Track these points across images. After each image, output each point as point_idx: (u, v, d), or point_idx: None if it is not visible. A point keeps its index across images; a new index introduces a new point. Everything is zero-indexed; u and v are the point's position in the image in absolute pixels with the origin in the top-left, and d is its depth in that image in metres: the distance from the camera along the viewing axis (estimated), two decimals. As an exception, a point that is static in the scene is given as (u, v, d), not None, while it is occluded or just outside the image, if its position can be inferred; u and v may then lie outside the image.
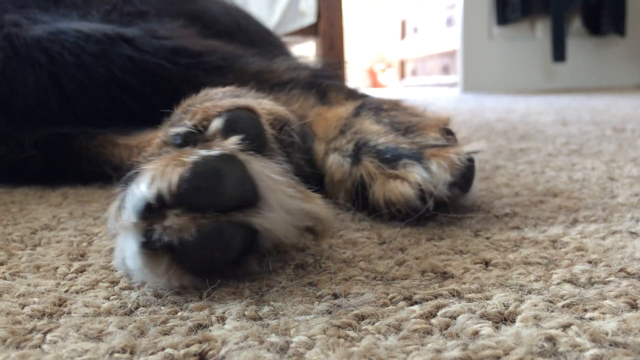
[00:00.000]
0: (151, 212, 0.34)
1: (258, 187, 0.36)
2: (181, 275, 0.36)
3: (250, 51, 0.87)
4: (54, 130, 0.79)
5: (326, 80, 0.82)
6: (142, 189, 0.34)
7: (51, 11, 0.86)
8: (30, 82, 0.78)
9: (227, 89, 0.51)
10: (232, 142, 0.37)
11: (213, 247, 0.35)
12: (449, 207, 0.52)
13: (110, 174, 0.77)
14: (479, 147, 0.52)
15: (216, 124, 0.39)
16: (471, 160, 0.51)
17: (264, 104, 0.44)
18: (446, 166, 0.50)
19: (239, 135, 0.38)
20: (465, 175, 0.51)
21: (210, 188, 0.34)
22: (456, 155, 0.50)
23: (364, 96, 0.76)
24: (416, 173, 0.51)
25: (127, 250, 0.35)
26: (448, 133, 0.57)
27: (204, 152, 0.35)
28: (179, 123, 0.40)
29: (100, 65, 0.78)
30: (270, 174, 0.37)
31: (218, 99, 0.45)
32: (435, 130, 0.56)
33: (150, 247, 0.35)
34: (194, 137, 0.39)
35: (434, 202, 0.50)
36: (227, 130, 0.39)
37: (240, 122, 0.40)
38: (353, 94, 0.77)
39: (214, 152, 0.35)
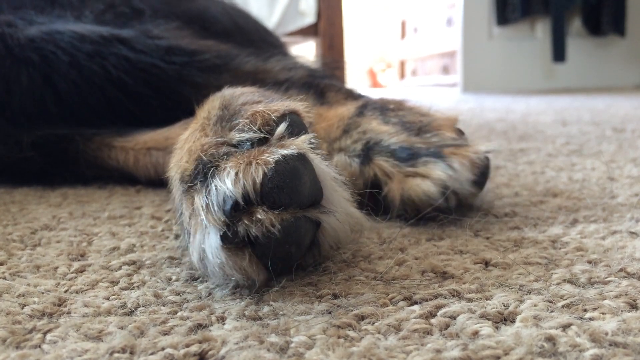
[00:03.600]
0: (237, 209, 0.35)
1: (324, 187, 0.38)
2: (259, 270, 0.37)
3: (246, 50, 0.87)
4: (51, 131, 0.78)
5: (323, 80, 0.81)
6: (228, 186, 0.35)
7: (46, 12, 0.86)
8: (25, 82, 0.78)
9: (250, 89, 0.52)
10: (304, 142, 0.39)
11: (292, 242, 0.37)
12: (466, 204, 0.54)
13: (108, 176, 0.78)
14: (493, 147, 0.55)
15: (282, 127, 0.40)
16: (487, 159, 0.53)
17: (304, 107, 0.45)
18: (468, 164, 0.51)
19: (296, 137, 0.40)
20: (483, 174, 0.53)
21: (291, 186, 0.36)
22: (475, 154, 0.52)
23: (362, 96, 0.76)
24: (440, 170, 0.51)
25: (210, 245, 0.36)
26: (460, 132, 0.58)
27: (284, 152, 0.36)
28: (241, 127, 0.42)
29: (95, 64, 0.78)
30: (332, 174, 0.39)
31: (264, 102, 0.46)
32: (451, 130, 0.57)
33: (234, 243, 0.35)
34: (257, 140, 0.41)
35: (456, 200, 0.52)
36: (290, 133, 0.40)
37: (294, 125, 0.41)
38: (351, 94, 0.77)
39: (293, 151, 0.37)
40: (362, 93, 0.79)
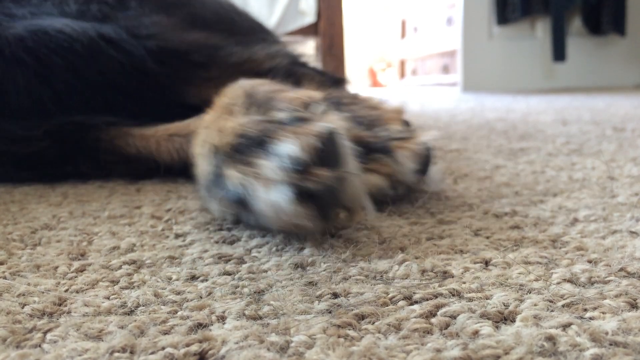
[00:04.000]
0: (303, 168, 0.42)
1: (347, 155, 0.45)
2: (318, 220, 0.43)
3: (232, 40, 0.90)
4: (67, 119, 0.80)
5: (302, 69, 0.85)
6: (294, 150, 0.43)
7: (24, 2, 0.86)
8: (21, 82, 0.78)
9: (260, 81, 0.61)
10: (337, 120, 0.49)
11: (338, 195, 0.44)
12: (414, 189, 0.61)
13: (125, 162, 0.79)
14: (433, 136, 0.62)
15: (319, 107, 0.51)
16: (428, 149, 0.59)
17: (319, 95, 0.56)
18: (411, 156, 0.57)
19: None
20: (425, 162, 0.59)
21: (335, 152, 0.44)
22: (417, 146, 0.58)
23: (335, 87, 0.80)
24: (387, 165, 0.57)
25: (282, 198, 0.42)
26: (405, 124, 0.65)
27: (329, 125, 0.45)
28: (284, 107, 0.50)
29: (91, 68, 0.81)
30: (348, 144, 0.46)
31: (289, 90, 0.57)
32: (398, 123, 0.63)
33: (303, 195, 0.42)
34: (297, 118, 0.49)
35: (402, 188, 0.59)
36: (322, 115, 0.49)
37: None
38: (323, 84, 0.80)
39: (333, 125, 0.45)
40: (340, 78, 0.83)
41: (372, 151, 0.58)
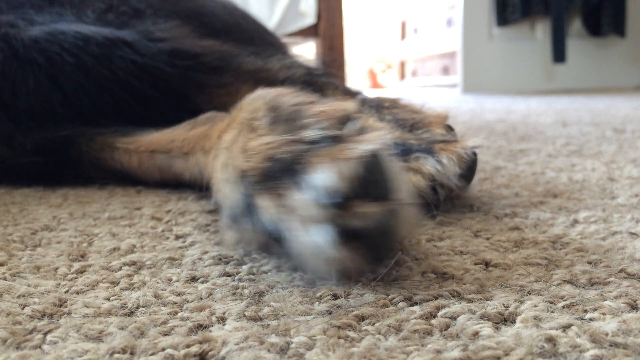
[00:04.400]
0: (343, 203, 0.35)
1: (395, 180, 0.38)
2: (365, 262, 0.37)
3: (246, 49, 0.88)
4: (54, 133, 0.78)
5: (321, 79, 0.82)
6: (331, 180, 0.36)
7: (46, 11, 0.86)
8: (31, 83, 0.78)
9: (282, 90, 0.52)
10: (378, 137, 0.39)
11: (388, 232, 0.37)
12: (455, 197, 0.57)
13: (112, 178, 0.78)
14: (479, 142, 0.58)
15: (355, 124, 0.42)
16: (475, 154, 0.56)
17: (353, 106, 0.46)
18: (455, 159, 0.54)
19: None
20: (470, 168, 0.56)
21: (381, 179, 0.37)
22: (463, 150, 0.55)
23: (358, 94, 0.77)
24: (429, 165, 0.54)
25: (324, 240, 0.36)
26: (449, 129, 0.61)
27: (370, 147, 0.37)
28: (315, 125, 0.42)
29: (102, 66, 0.78)
30: (398, 168, 0.39)
31: (317, 102, 0.47)
32: (440, 127, 0.60)
33: (347, 236, 0.36)
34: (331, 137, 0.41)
35: (444, 193, 0.55)
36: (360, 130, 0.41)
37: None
38: (349, 92, 0.78)
39: (376, 146, 0.37)
40: (359, 91, 0.80)
41: (413, 152, 0.56)
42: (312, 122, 0.42)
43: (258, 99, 0.50)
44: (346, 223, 0.35)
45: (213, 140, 0.61)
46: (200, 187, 0.63)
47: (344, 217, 0.35)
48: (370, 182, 0.36)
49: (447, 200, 0.56)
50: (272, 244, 0.41)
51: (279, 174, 0.40)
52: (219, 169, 0.48)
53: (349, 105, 0.44)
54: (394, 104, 0.66)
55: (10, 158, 0.78)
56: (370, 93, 0.81)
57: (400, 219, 0.38)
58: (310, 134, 0.41)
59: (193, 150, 0.66)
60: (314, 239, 0.36)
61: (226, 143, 0.48)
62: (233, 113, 0.53)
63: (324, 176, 0.36)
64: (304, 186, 0.37)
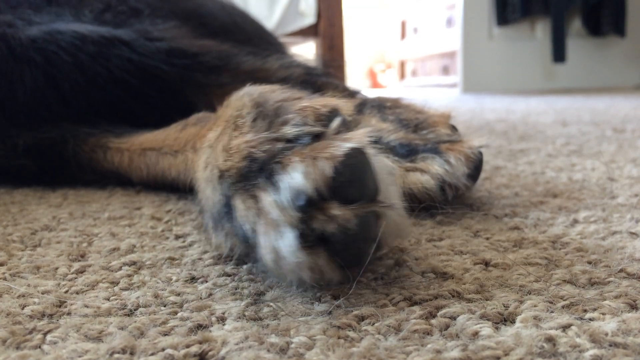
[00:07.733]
0: (310, 205, 0.33)
1: (381, 181, 0.36)
2: (335, 268, 0.35)
3: (244, 49, 0.88)
4: (46, 135, 0.78)
5: (321, 78, 0.82)
6: (299, 181, 0.34)
7: (44, 11, 0.86)
8: (28, 82, 0.78)
9: (272, 87, 0.50)
10: (364, 135, 0.37)
11: (364, 237, 0.35)
12: (462, 196, 0.57)
13: (105, 179, 0.78)
14: (485, 142, 0.58)
15: (338, 121, 0.40)
16: (481, 154, 0.56)
17: (344, 103, 0.44)
18: (463, 159, 0.54)
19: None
20: (477, 167, 0.56)
21: (359, 180, 0.35)
22: (470, 149, 0.55)
23: (358, 94, 0.77)
24: (437, 166, 0.54)
25: (285, 244, 0.34)
26: (453, 129, 0.61)
27: (350, 145, 0.35)
28: (295, 121, 0.40)
29: (99, 65, 0.78)
30: (387, 168, 0.37)
31: (305, 98, 0.45)
32: (445, 127, 0.60)
33: (311, 241, 0.34)
34: (312, 134, 0.39)
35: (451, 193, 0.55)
36: (344, 128, 0.40)
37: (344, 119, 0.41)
38: (349, 92, 0.77)
39: (357, 145, 0.35)
40: (359, 91, 0.80)
41: (419, 152, 0.55)
42: (294, 118, 0.40)
43: (245, 95, 0.48)
44: (309, 227, 0.33)
45: (204, 139, 0.60)
46: (184, 186, 0.62)
47: (308, 220, 0.33)
48: (349, 182, 0.34)
49: (454, 199, 0.56)
50: (248, 248, 0.39)
51: (255, 173, 0.38)
52: (201, 168, 0.46)
53: (337, 101, 0.42)
54: (395, 103, 0.66)
55: (2, 159, 0.78)
56: (371, 93, 0.81)
57: (379, 222, 0.35)
58: (290, 130, 0.39)
59: (184, 148, 0.66)
60: (277, 243, 0.34)
61: (210, 141, 0.46)
62: (220, 110, 0.51)
63: (295, 176, 0.34)
64: (278, 187, 0.35)
